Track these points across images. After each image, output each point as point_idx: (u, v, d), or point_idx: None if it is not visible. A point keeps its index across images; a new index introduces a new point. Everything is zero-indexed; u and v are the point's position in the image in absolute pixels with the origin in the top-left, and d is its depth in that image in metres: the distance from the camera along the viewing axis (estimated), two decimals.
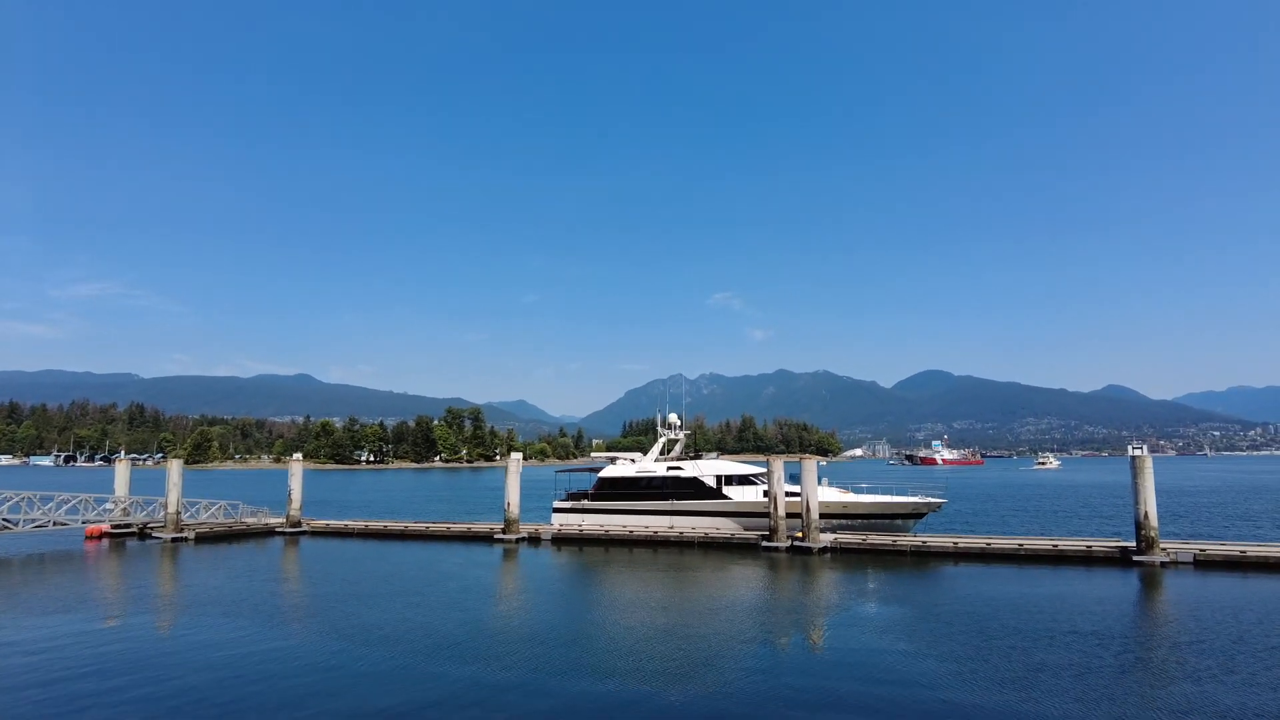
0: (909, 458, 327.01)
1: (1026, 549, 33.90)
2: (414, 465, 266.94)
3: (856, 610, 23.99)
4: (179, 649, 19.30)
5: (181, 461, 44.44)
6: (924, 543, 35.86)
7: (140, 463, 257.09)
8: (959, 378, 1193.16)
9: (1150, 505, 31.36)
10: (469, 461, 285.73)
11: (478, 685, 16.04)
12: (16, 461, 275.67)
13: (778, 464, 37.64)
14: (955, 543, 35.57)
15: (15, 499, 38.17)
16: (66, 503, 40.14)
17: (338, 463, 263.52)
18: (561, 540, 41.42)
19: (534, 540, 41.51)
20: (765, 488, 41.19)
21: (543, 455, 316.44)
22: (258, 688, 15.92)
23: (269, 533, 45.55)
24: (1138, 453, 32.45)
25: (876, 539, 37.05)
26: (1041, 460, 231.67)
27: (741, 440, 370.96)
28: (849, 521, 40.49)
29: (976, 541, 35.75)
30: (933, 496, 42.27)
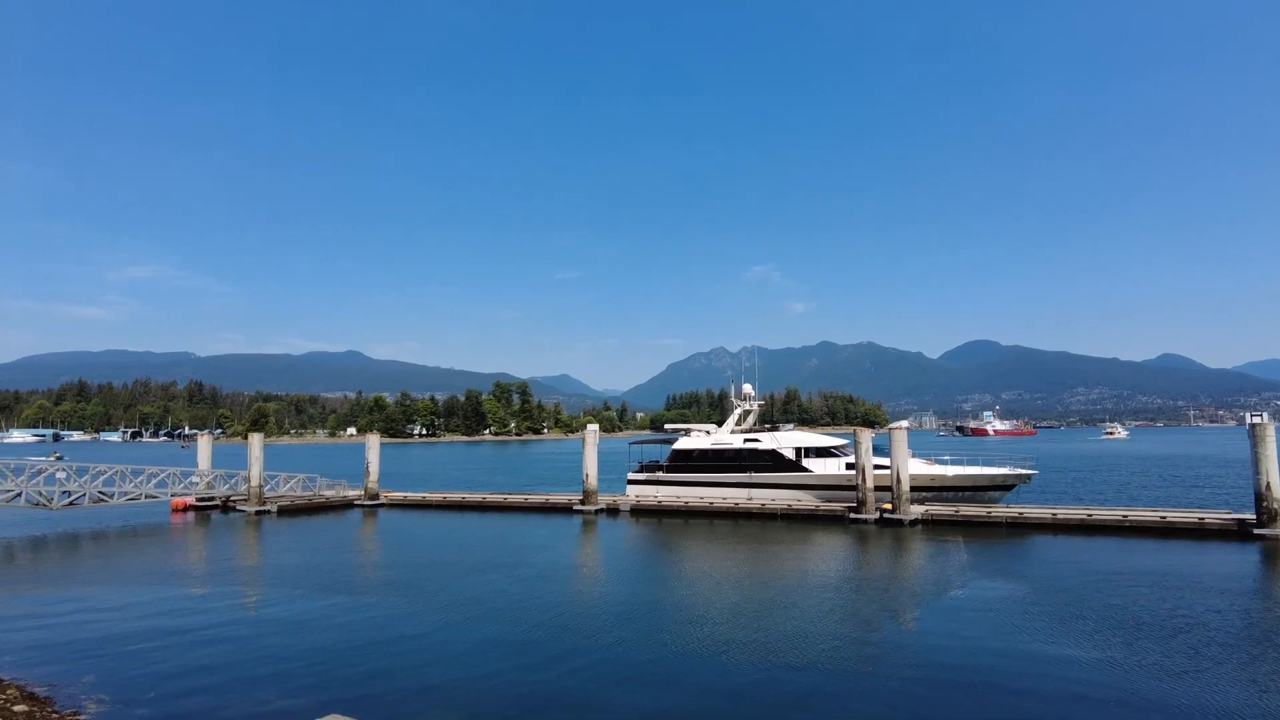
0: (959, 429, 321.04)
1: (1131, 520, 32.46)
2: (465, 439, 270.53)
3: (964, 584, 23.05)
4: (290, 620, 19.32)
5: (262, 436, 45.00)
6: (1019, 514, 34.63)
7: (199, 438, 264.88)
8: (1007, 347, 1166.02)
9: (1273, 476, 29.62)
10: (517, 434, 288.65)
11: (599, 662, 15.66)
12: (87, 438, 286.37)
13: (865, 435, 36.61)
14: (1054, 514, 34.28)
15: (110, 473, 39.05)
16: (155, 476, 40.98)
17: (390, 436, 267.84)
18: (640, 512, 41.08)
19: (612, 511, 41.25)
20: (846, 460, 40.34)
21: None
22: (376, 660, 15.80)
23: (347, 505, 46.08)
24: (1258, 420, 30.67)
25: (969, 510, 35.92)
26: (1109, 430, 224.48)
27: (786, 413, 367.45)
28: (935, 494, 39.42)
29: (1076, 512, 34.41)
30: (1022, 467, 40.88)
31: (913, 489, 37.24)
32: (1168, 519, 32.24)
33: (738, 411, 46.03)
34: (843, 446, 42.31)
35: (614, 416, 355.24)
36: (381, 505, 46.08)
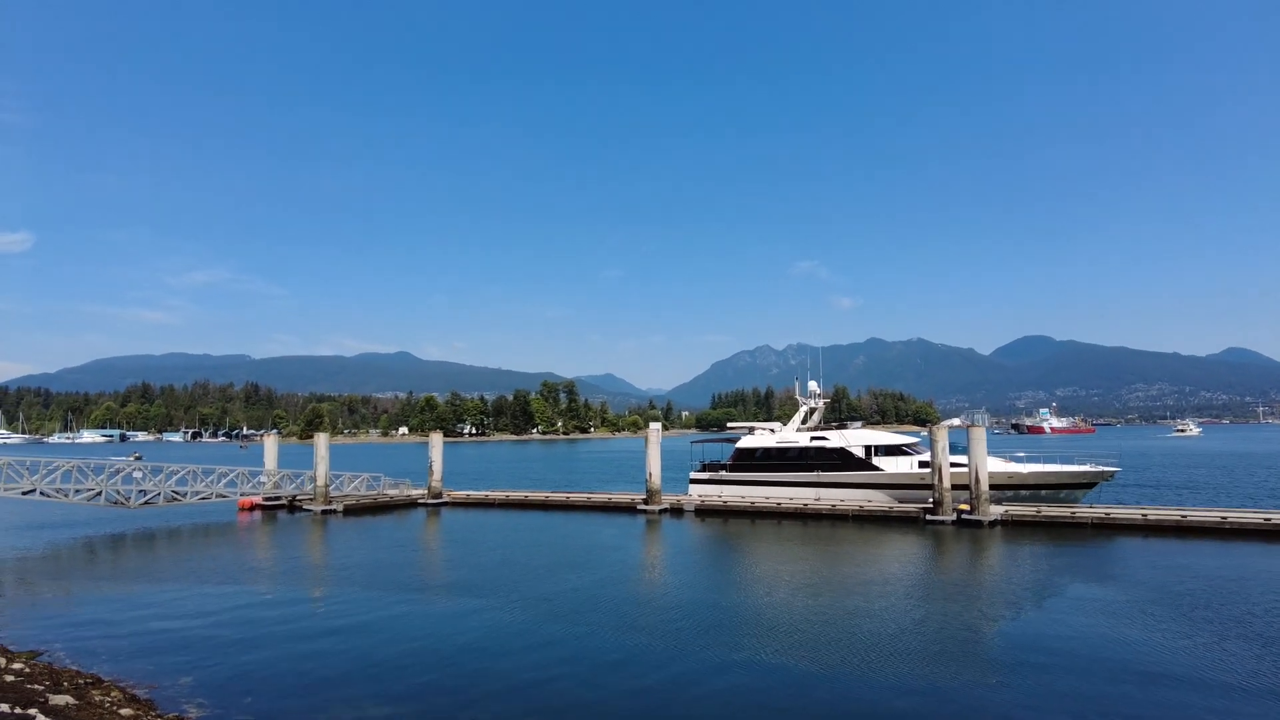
0: (1015, 427, 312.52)
1: (1232, 523, 30.68)
2: (513, 437, 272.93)
3: (1062, 589, 21.91)
4: (372, 621, 19.11)
5: (328, 436, 45.44)
6: (1107, 514, 33.07)
7: (258, 438, 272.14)
8: (1061, 343, 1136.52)
9: None
10: (564, 433, 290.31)
11: (686, 670, 15.05)
12: (151, 438, 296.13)
13: (942, 432, 35.36)
14: (1144, 514, 32.63)
15: (182, 472, 39.78)
16: (225, 476, 41.63)
17: (441, 435, 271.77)
18: (705, 512, 40.35)
19: (676, 511, 40.61)
20: (919, 458, 39.09)
21: (635, 427, 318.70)
22: (468, 662, 15.49)
23: (411, 504, 46.27)
24: None
25: (1052, 510, 34.42)
26: (1180, 427, 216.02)
27: (834, 411, 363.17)
28: (1011, 493, 37.93)
29: (1169, 513, 32.69)
30: (1104, 464, 39.11)
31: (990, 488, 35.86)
32: (1272, 520, 30.39)
33: (803, 409, 44.93)
34: (913, 444, 41.03)
35: (659, 415, 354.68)
36: (445, 504, 46.17)
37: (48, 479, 34.95)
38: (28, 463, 35.19)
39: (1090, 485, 38.45)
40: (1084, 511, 33.84)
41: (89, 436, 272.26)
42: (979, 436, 34.59)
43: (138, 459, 53.11)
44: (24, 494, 34.18)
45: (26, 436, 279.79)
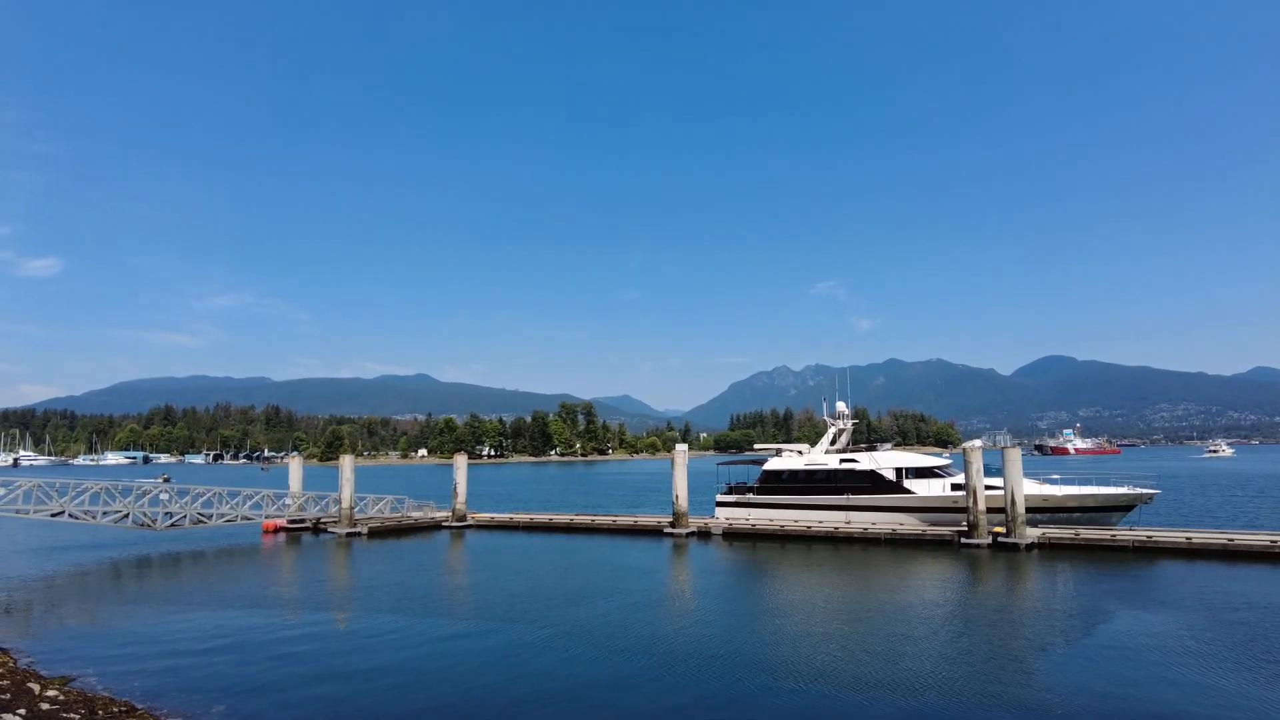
0: (1038, 448, 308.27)
1: None
2: (531, 459, 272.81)
3: (1111, 615, 21.16)
4: (406, 652, 18.76)
5: (353, 458, 45.32)
6: (1149, 537, 32.14)
7: (279, 460, 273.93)
8: (1083, 363, 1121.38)
9: None
10: (582, 455, 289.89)
11: (738, 700, 14.52)
12: (173, 460, 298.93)
13: (976, 454, 34.65)
14: (1189, 538, 31.68)
15: (208, 494, 39.77)
16: (250, 498, 41.59)
17: (466, 457, 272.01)
18: (733, 536, 39.69)
19: (704, 535, 39.98)
20: (951, 480, 38.38)
21: (653, 449, 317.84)
22: (509, 691, 15.03)
23: (436, 526, 45.97)
24: None
25: (1090, 533, 33.55)
26: (1213, 448, 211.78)
27: (854, 433, 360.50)
28: (1047, 515, 37.03)
29: (1215, 537, 31.72)
30: (1142, 487, 38.13)
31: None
32: None
33: (832, 430, 44.27)
34: (945, 466, 40.29)
35: (676, 436, 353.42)
36: (470, 526, 45.83)
37: (76, 501, 35.02)
38: (56, 484, 35.32)
39: (1128, 508, 37.48)
40: (1125, 534, 32.94)
41: (113, 458, 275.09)
42: (1014, 458, 33.86)
43: (166, 481, 53.31)
44: (53, 516, 34.26)
45: (52, 458, 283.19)
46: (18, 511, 33.65)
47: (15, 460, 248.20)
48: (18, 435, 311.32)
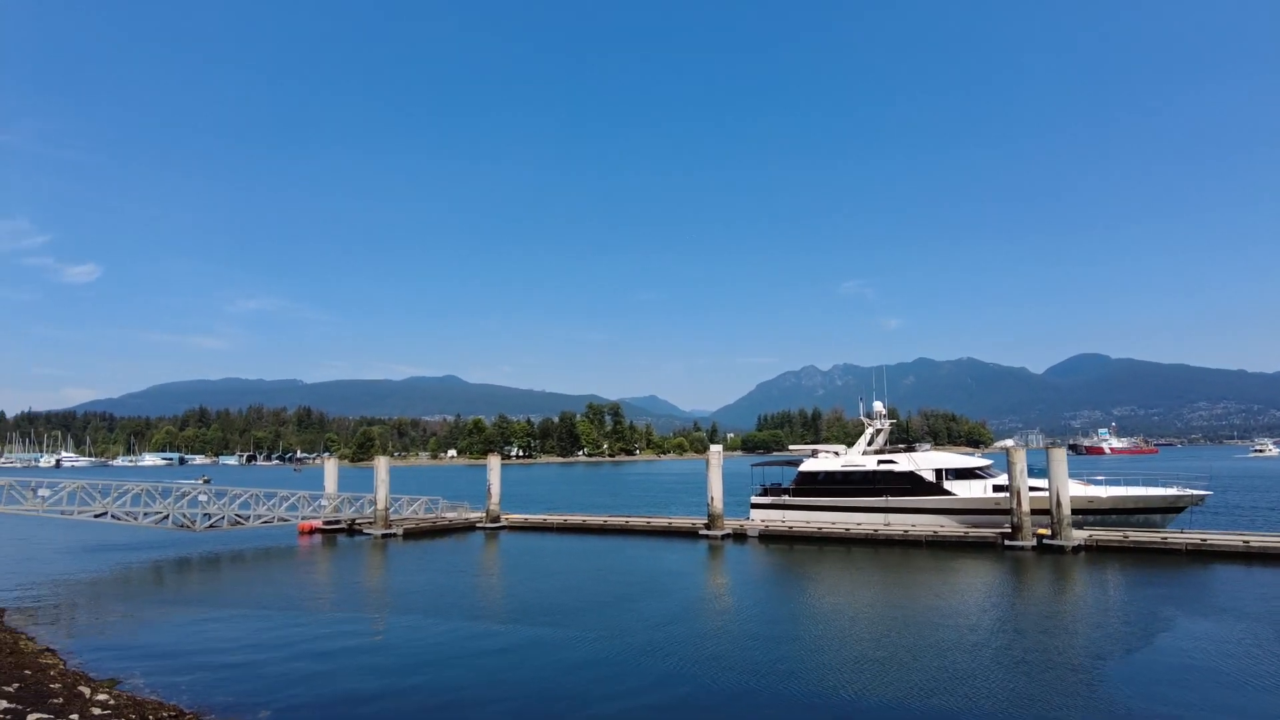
0: (1073, 447, 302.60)
1: None
2: (559, 459, 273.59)
3: (1164, 620, 20.52)
4: (447, 652, 18.60)
5: (388, 459, 45.49)
6: (1203, 540, 31.12)
7: (311, 461, 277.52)
8: (1117, 361, 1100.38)
9: None
10: (610, 455, 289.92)
11: (789, 706, 14.13)
12: (207, 461, 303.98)
13: (1020, 454, 33.82)
14: (1246, 540, 30.63)
15: (245, 496, 40.12)
16: (286, 500, 41.90)
17: (499, 458, 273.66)
18: (769, 538, 39.16)
19: (739, 537, 39.49)
20: (992, 482, 37.54)
21: (680, 449, 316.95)
22: (547, 698, 14.78)
23: (470, 527, 45.98)
24: None
25: (1140, 535, 32.59)
26: (1259, 447, 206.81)
27: (891, 433, 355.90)
28: (1093, 517, 36.07)
29: (1274, 539, 30.61)
30: (1192, 488, 37.00)
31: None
32: None
33: (869, 431, 43.50)
34: (985, 467, 39.44)
35: (704, 437, 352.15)
36: (503, 528, 45.79)
37: (118, 502, 35.49)
38: (99, 486, 35.83)
39: (1178, 510, 36.41)
40: (1176, 537, 31.94)
41: (150, 460, 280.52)
42: (1059, 458, 33.01)
43: (206, 482, 53.96)
44: (96, 517, 34.76)
45: (93, 459, 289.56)
46: (63, 512, 34.23)
47: (58, 461, 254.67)
48: (59, 437, 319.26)
